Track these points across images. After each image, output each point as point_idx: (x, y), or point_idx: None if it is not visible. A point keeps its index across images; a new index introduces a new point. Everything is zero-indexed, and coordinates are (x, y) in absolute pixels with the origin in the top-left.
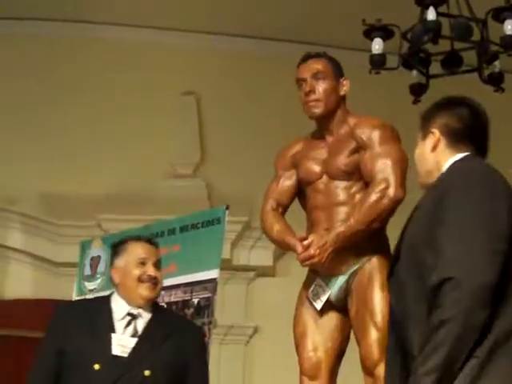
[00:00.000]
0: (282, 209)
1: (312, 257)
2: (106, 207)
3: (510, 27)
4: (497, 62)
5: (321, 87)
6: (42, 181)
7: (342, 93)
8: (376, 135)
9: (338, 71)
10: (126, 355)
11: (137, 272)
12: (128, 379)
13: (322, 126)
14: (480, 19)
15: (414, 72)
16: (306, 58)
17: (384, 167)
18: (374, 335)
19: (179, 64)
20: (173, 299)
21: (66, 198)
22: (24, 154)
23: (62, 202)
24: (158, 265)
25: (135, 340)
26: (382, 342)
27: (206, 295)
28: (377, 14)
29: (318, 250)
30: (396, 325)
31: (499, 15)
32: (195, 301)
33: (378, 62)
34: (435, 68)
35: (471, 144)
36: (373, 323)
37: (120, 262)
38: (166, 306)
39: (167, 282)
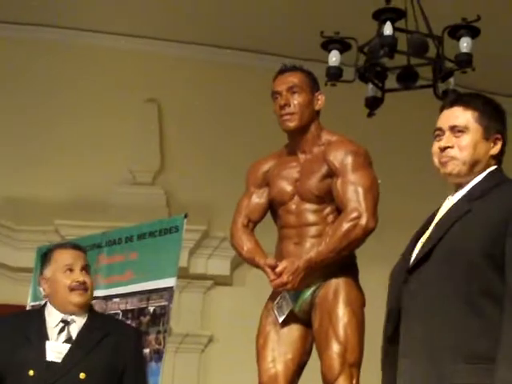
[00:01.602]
0: (253, 225)
1: (285, 284)
2: (64, 213)
3: (465, 45)
4: (451, 79)
5: (296, 101)
6: (0, 185)
7: (316, 107)
8: (348, 162)
9: (314, 85)
10: (59, 360)
11: (66, 281)
12: (64, 383)
13: (295, 141)
14: (436, 36)
15: (370, 85)
16: (283, 70)
17: (356, 195)
18: (335, 349)
19: (142, 71)
20: (128, 307)
21: (23, 203)
22: None
23: (19, 206)
24: (86, 269)
25: (69, 345)
26: (343, 356)
27: (162, 303)
28: (335, 27)
29: (290, 277)
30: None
31: (455, 33)
32: (151, 309)
33: (334, 74)
34: (391, 82)
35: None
36: (335, 337)
37: (47, 271)
38: (121, 313)
39: (123, 290)
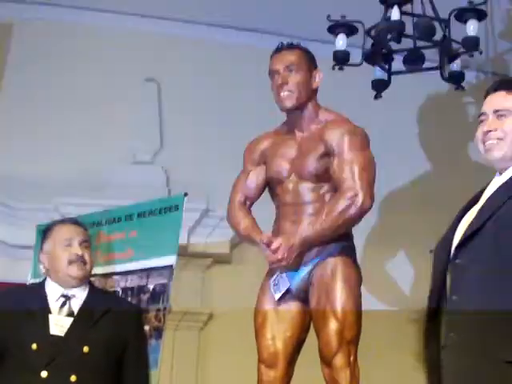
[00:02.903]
0: (250, 203)
1: (280, 260)
2: (64, 191)
3: (471, 28)
4: (458, 61)
5: (293, 79)
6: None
7: (314, 86)
8: (345, 141)
9: (311, 63)
10: (63, 334)
11: (65, 254)
12: (66, 357)
13: (293, 119)
14: (443, 19)
15: (377, 68)
16: (280, 48)
17: (352, 175)
18: (333, 326)
19: (141, 50)
20: (128, 285)
21: (23, 181)
22: None
23: (19, 184)
24: (85, 244)
25: (71, 319)
26: (341, 333)
27: (161, 281)
28: (341, 10)
29: (285, 254)
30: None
31: (462, 16)
32: (151, 287)
33: (341, 58)
34: (397, 64)
35: None
36: (333, 314)
37: (47, 246)
38: (121, 291)
39: (124, 267)
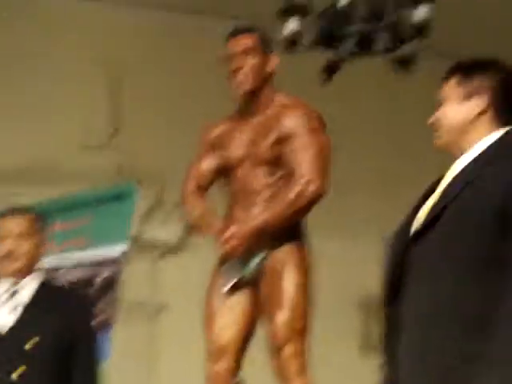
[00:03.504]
0: (204, 190)
1: (233, 250)
2: (13, 180)
3: (423, 11)
4: (409, 45)
5: (249, 63)
6: None
7: (270, 69)
8: (300, 126)
9: (266, 47)
10: (6, 329)
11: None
12: (9, 354)
13: (248, 103)
14: (395, 1)
15: (328, 52)
16: (235, 32)
17: (305, 160)
18: (283, 316)
19: (93, 33)
20: (79, 275)
21: None
22: None
23: None
24: (25, 236)
25: (15, 316)
26: (290, 323)
27: (112, 271)
28: None
29: (238, 243)
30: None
31: None
32: (102, 277)
33: (291, 42)
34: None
35: (509, 114)
36: (282, 304)
37: None
38: (71, 282)
39: (74, 257)
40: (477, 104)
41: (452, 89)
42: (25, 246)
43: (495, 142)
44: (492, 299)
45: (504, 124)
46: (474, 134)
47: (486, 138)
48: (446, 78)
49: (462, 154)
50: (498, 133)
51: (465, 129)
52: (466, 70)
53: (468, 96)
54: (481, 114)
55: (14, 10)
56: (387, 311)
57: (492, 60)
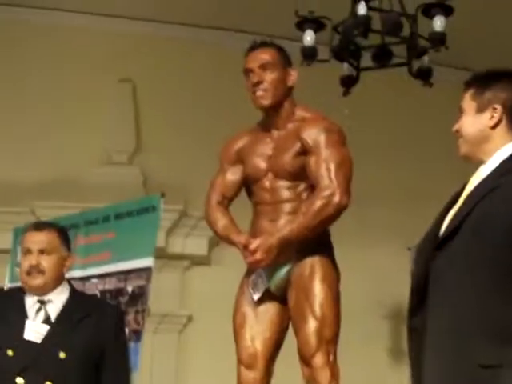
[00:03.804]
0: (227, 202)
1: (259, 261)
2: (40, 193)
3: (438, 23)
4: (426, 57)
5: (268, 78)
6: None
7: (289, 83)
8: (322, 139)
9: (285, 61)
10: (39, 341)
11: (24, 264)
12: (43, 363)
13: (269, 117)
14: (410, 14)
15: (345, 64)
16: (254, 47)
17: (328, 173)
18: (312, 326)
19: (116, 51)
20: (107, 287)
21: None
22: None
23: None
24: (46, 251)
25: (48, 326)
26: (320, 332)
27: (140, 283)
28: (309, 6)
29: (264, 255)
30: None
31: (429, 11)
32: (129, 289)
33: (309, 54)
34: (366, 61)
35: None
36: (312, 314)
37: (19, 255)
38: (99, 294)
39: (101, 270)
40: (490, 116)
41: (467, 102)
42: (48, 261)
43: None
44: None
45: None
46: (491, 145)
47: (504, 148)
48: (464, 90)
49: (482, 164)
50: None
51: (481, 140)
52: (479, 82)
53: (481, 109)
54: (495, 125)
55: (39, 31)
56: (413, 319)
57: (505, 71)
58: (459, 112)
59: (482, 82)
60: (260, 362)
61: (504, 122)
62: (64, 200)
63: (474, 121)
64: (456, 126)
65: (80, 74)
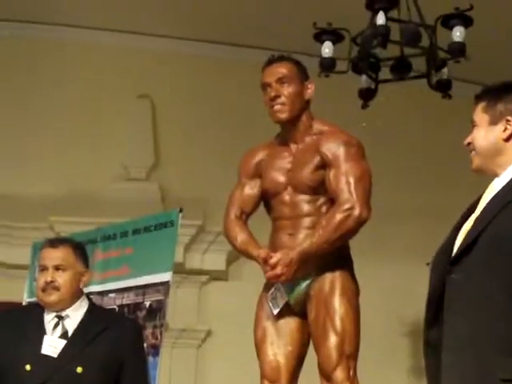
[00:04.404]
0: (246, 217)
1: (279, 276)
2: (58, 209)
3: (458, 34)
4: (445, 69)
5: (286, 92)
6: None
7: (307, 97)
8: (341, 153)
9: (302, 74)
10: (55, 355)
11: (40, 280)
12: (60, 377)
13: (287, 131)
14: (429, 25)
15: (364, 77)
16: (271, 61)
17: (348, 186)
18: (332, 340)
19: (134, 67)
20: (125, 302)
21: (18, 200)
22: None
23: (14, 204)
24: (58, 267)
25: (65, 340)
26: (340, 347)
27: (158, 298)
28: (328, 18)
29: (284, 269)
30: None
31: (448, 22)
32: (147, 304)
33: (327, 66)
34: (384, 73)
35: None
36: (332, 328)
37: (37, 271)
38: (117, 308)
39: (119, 285)
40: (503, 128)
41: (479, 115)
42: (64, 277)
43: None
44: None
45: None
46: (504, 158)
47: None
48: (475, 103)
49: (496, 177)
50: None
51: (494, 153)
52: (491, 95)
53: (493, 122)
54: (509, 137)
55: (62, 48)
56: (429, 332)
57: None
58: (471, 125)
59: (494, 94)
60: (284, 376)
61: None
62: (82, 215)
63: (486, 133)
64: (468, 139)
65: (99, 90)
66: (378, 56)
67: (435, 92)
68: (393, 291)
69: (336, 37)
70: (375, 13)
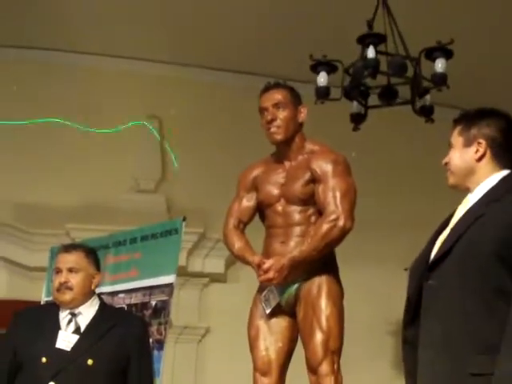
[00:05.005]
0: (243, 226)
1: (271, 280)
2: (74, 217)
3: (440, 65)
4: (428, 96)
5: (281, 115)
6: (16, 191)
7: (300, 120)
8: (329, 169)
9: (296, 100)
10: (68, 349)
11: (55, 281)
12: (72, 369)
13: (282, 150)
14: (414, 57)
15: (355, 103)
16: (267, 88)
17: (334, 199)
18: (319, 337)
19: (145, 91)
20: (133, 301)
21: (38, 208)
22: None
23: (34, 211)
24: (74, 270)
25: (77, 335)
26: (326, 344)
27: (163, 298)
28: (322, 51)
29: (276, 274)
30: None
31: (431, 54)
32: (153, 303)
33: (322, 94)
34: (373, 100)
35: (509, 158)
36: (319, 327)
37: (52, 274)
38: (126, 307)
39: (128, 286)
40: (476, 150)
41: (455, 137)
42: (76, 278)
43: (495, 185)
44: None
45: (503, 167)
46: (477, 176)
47: (488, 179)
48: (452, 127)
49: (469, 192)
50: (499, 175)
51: (467, 172)
52: (466, 120)
53: (468, 144)
54: (480, 158)
55: (74, 71)
56: (407, 333)
57: (489, 110)
58: (448, 146)
59: (469, 119)
60: (274, 369)
61: (488, 155)
62: (96, 223)
63: (461, 154)
64: (446, 159)
65: (113, 111)
66: (368, 84)
67: (419, 117)
68: (374, 294)
69: (330, 67)
70: (366, 47)
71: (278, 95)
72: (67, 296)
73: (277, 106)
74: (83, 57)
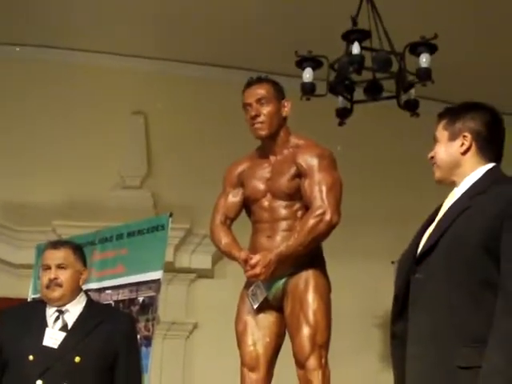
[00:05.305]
0: (230, 222)
1: (258, 275)
2: (60, 214)
3: (424, 60)
4: (413, 91)
5: (265, 111)
6: (2, 189)
7: (284, 114)
8: (315, 164)
9: (279, 94)
10: (55, 346)
11: (44, 278)
12: (60, 366)
13: (267, 145)
14: (399, 53)
15: (340, 98)
16: (250, 83)
17: (320, 194)
18: (306, 332)
19: (130, 87)
20: (120, 297)
21: (24, 206)
22: None
23: (20, 209)
24: (62, 266)
25: (64, 332)
26: (313, 338)
27: (150, 294)
28: (308, 46)
29: (263, 269)
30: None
31: (416, 49)
32: (140, 299)
33: (308, 89)
34: (359, 94)
35: (494, 151)
36: (306, 321)
37: (39, 271)
38: (113, 303)
39: (115, 282)
40: (461, 143)
41: (440, 131)
42: (65, 274)
43: (480, 178)
44: (489, 318)
45: (489, 160)
46: (462, 170)
47: (474, 172)
48: (437, 121)
49: (455, 186)
50: (484, 168)
51: (453, 166)
52: (451, 114)
53: (452, 138)
54: (465, 151)
55: (59, 68)
56: (395, 325)
57: (474, 103)
58: (434, 141)
59: (453, 113)
60: (262, 364)
61: (473, 149)
62: (82, 220)
63: (446, 148)
64: (431, 153)
65: (99, 107)
66: (353, 79)
67: (404, 111)
68: (362, 287)
69: (316, 63)
70: (351, 43)
71: (260, 90)
72: (57, 293)
73: (260, 101)
74: (68, 53)
